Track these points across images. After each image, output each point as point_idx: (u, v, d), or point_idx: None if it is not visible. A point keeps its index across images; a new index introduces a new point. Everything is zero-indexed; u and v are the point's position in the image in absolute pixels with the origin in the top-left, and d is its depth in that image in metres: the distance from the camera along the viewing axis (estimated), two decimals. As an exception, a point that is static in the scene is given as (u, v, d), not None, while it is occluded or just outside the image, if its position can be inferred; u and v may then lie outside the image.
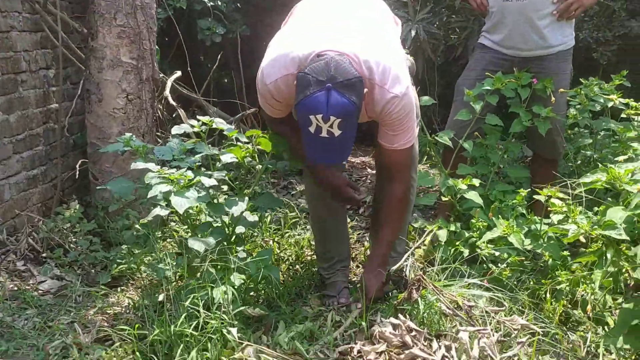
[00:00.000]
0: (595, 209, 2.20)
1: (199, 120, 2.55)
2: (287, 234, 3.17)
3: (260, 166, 2.47)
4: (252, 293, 2.49)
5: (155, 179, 2.27)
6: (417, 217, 3.32)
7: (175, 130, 2.58)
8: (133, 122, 3.14)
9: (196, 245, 2.26)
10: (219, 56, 4.20)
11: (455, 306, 2.06)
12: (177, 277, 2.50)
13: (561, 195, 2.31)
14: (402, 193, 2.36)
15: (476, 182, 2.73)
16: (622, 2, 4.41)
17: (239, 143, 2.52)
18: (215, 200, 2.41)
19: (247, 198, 2.40)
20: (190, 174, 2.30)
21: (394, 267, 2.36)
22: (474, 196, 2.70)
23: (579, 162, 3.04)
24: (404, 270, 2.34)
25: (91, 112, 3.13)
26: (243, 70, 4.40)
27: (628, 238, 1.77)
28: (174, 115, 3.49)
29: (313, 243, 2.86)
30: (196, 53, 4.73)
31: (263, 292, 2.55)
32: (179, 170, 2.30)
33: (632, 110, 2.32)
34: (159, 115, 3.30)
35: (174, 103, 3.46)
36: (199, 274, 2.33)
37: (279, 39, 2.22)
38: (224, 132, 2.57)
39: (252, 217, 2.53)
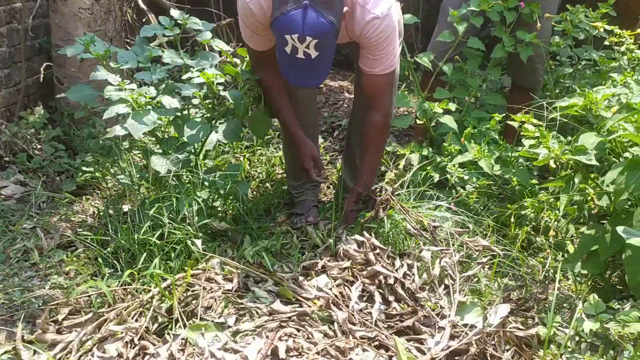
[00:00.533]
0: (569, 138, 2.19)
1: (171, 18, 2.39)
2: (259, 151, 3.12)
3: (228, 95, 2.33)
4: (219, 208, 2.47)
5: (115, 94, 2.15)
6: (391, 141, 3.28)
7: (144, 32, 2.41)
8: (100, 24, 2.97)
9: (158, 165, 2.18)
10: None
11: (421, 227, 2.07)
12: (143, 189, 2.47)
13: (535, 121, 2.28)
14: (381, 121, 2.29)
15: (452, 106, 2.69)
16: None
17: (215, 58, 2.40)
18: (185, 116, 2.32)
19: (209, 124, 2.29)
20: (152, 91, 2.18)
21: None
22: (448, 121, 2.66)
23: (557, 92, 3.00)
24: (376, 191, 2.32)
25: (56, 10, 2.95)
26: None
27: (597, 163, 1.76)
28: (144, 20, 3.31)
29: (284, 161, 2.82)
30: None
31: (231, 207, 2.54)
32: (143, 85, 2.19)
33: (615, 38, 2.26)
34: (128, 20, 3.13)
35: (145, 7, 3.27)
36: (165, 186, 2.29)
37: None
38: (197, 39, 2.45)
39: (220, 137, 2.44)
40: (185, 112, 2.36)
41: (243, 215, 2.47)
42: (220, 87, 2.29)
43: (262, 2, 1.99)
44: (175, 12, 2.40)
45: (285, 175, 2.82)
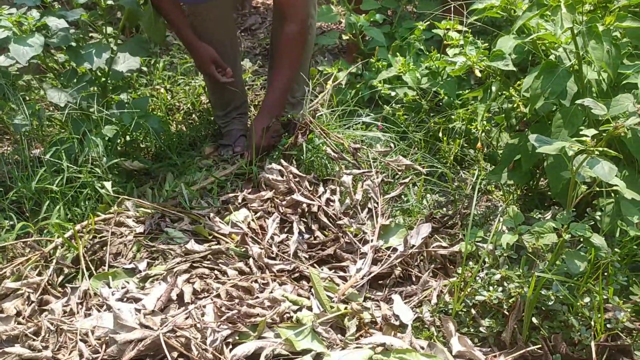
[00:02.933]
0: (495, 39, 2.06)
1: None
2: (181, 81, 2.92)
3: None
4: (135, 145, 2.31)
5: None
6: (322, 60, 3.11)
7: None
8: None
9: (55, 97, 2.01)
10: None
11: (343, 149, 1.95)
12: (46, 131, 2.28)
13: (460, 27, 2.14)
14: (295, 33, 2.12)
15: (379, 17, 2.51)
16: None
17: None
18: (78, 43, 2.10)
19: (108, 44, 2.09)
20: (34, 14, 1.96)
21: (291, 113, 2.21)
22: (376, 34, 2.50)
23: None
24: (302, 115, 2.19)
25: None
26: None
27: (514, 69, 1.65)
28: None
29: (207, 90, 2.65)
30: None
31: (152, 144, 2.38)
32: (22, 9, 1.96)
33: None
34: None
35: None
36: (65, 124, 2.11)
37: None
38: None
39: (129, 63, 2.24)
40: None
41: (165, 151, 2.33)
42: (110, 2, 2.08)
43: None
44: None
45: (210, 105, 2.66)
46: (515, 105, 1.89)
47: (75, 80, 2.13)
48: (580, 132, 1.27)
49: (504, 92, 1.80)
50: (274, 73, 2.25)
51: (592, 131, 1.27)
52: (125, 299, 1.44)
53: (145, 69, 3.00)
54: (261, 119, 2.20)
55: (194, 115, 2.78)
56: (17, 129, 2.00)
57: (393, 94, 2.24)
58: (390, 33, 2.74)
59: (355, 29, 2.60)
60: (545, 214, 1.58)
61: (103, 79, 2.23)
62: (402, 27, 2.73)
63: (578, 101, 1.35)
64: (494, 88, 1.72)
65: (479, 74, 1.83)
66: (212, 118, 2.66)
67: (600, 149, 1.24)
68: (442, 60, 1.85)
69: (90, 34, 2.51)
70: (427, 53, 2.35)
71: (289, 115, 2.18)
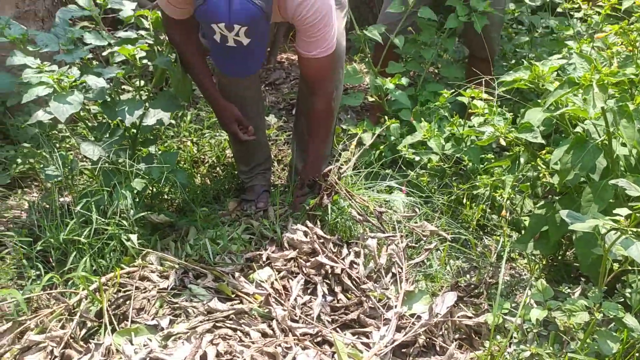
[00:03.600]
0: (523, 111, 2.10)
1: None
2: (207, 134, 2.98)
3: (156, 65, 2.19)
4: (166, 197, 2.34)
5: (34, 77, 1.99)
6: (346, 119, 3.16)
7: (62, 13, 2.25)
8: (29, 4, 2.78)
9: (89, 150, 2.05)
10: None
11: (367, 212, 1.96)
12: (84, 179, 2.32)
13: (485, 96, 2.17)
14: (324, 106, 2.17)
15: (404, 81, 2.57)
16: None
17: (134, 34, 2.24)
18: (112, 98, 2.17)
19: (141, 100, 2.15)
20: (75, 72, 2.03)
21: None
22: (401, 97, 2.55)
23: (513, 61, 2.89)
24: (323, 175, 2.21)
25: (-21, -9, 2.74)
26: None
27: (543, 141, 1.67)
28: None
29: (231, 145, 2.70)
30: None
31: (177, 196, 2.41)
32: (63, 67, 2.03)
33: (569, 4, 2.16)
34: (61, -3, 2.92)
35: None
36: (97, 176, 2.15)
37: None
38: (119, 16, 2.28)
39: (159, 117, 2.30)
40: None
41: (190, 204, 2.35)
42: (145, 61, 2.15)
43: None
44: None
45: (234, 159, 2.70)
46: (541, 174, 1.90)
47: (107, 135, 2.19)
48: (614, 212, 1.27)
49: (531, 162, 1.82)
50: (308, 144, 2.30)
51: (625, 210, 1.28)
52: (148, 359, 1.43)
53: (172, 121, 3.07)
54: (297, 187, 2.27)
55: (218, 169, 2.82)
56: (49, 178, 2.04)
57: (417, 158, 2.27)
58: (414, 95, 2.79)
59: (381, 91, 2.65)
60: (574, 289, 1.57)
61: (134, 132, 2.29)
62: (426, 90, 2.79)
63: (612, 181, 1.36)
64: (522, 160, 1.74)
65: (503, 143, 1.86)
66: (235, 172, 2.70)
67: (634, 229, 1.24)
68: (470, 129, 1.88)
69: (123, 86, 2.58)
70: (450, 118, 2.39)
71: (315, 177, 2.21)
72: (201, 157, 2.87)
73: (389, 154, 2.44)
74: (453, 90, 2.40)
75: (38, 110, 2.01)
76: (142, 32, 2.20)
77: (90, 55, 2.20)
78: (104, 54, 2.12)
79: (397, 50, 2.79)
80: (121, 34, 2.19)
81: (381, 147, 2.52)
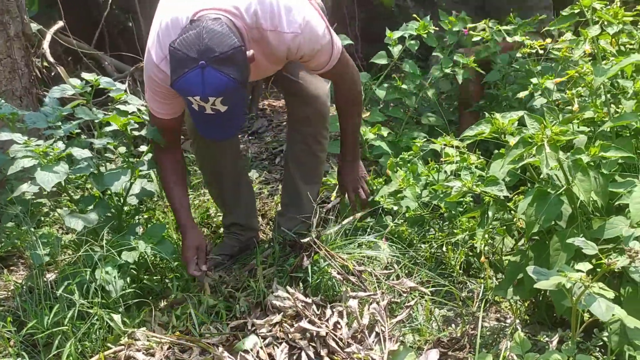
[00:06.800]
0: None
1: (82, 79, 2.30)
2: (191, 195, 3.01)
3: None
4: (146, 268, 2.36)
5: (20, 151, 2.05)
6: (328, 167, 3.20)
7: (55, 93, 2.33)
8: (5, 84, 2.84)
9: (73, 222, 2.09)
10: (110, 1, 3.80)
11: (348, 270, 1.99)
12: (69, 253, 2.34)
13: (457, 143, 2.22)
14: (354, 88, 2.23)
15: (384, 131, 2.65)
16: None
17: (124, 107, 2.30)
18: (101, 169, 2.21)
19: (129, 170, 2.20)
20: (60, 145, 2.08)
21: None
22: (382, 146, 2.63)
23: (484, 102, 2.99)
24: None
25: (-43, 75, 2.81)
26: (142, 12, 4.00)
27: (509, 195, 1.70)
28: (53, 74, 3.18)
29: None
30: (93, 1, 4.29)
31: (163, 264, 2.42)
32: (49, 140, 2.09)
33: (527, 49, 2.23)
34: (37, 74, 2.99)
35: (52, 60, 3.13)
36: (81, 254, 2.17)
37: (158, 13, 1.97)
38: (110, 95, 2.35)
39: (145, 186, 2.34)
40: (103, 169, 2.26)
41: (175, 271, 2.36)
42: (136, 133, 2.20)
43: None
44: (86, 75, 2.31)
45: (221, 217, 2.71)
46: (514, 217, 1.93)
47: (92, 206, 2.22)
48: (575, 267, 1.30)
49: (501, 212, 1.85)
50: (345, 131, 2.37)
51: (587, 265, 1.30)
52: None
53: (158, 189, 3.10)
54: (345, 169, 2.42)
55: (204, 229, 2.84)
56: (37, 261, 2.06)
57: (396, 208, 2.30)
58: (394, 142, 2.86)
59: (362, 140, 2.71)
60: (553, 337, 1.58)
61: (119, 202, 2.32)
62: (406, 136, 2.86)
63: (569, 240, 1.39)
64: (490, 213, 1.77)
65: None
66: (221, 231, 2.72)
67: (596, 285, 1.26)
68: (439, 184, 1.92)
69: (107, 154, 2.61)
70: (424, 166, 2.43)
71: (292, 235, 2.23)
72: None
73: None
74: (425, 140, 2.46)
75: (22, 185, 2.05)
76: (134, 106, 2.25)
77: (78, 130, 2.26)
78: (97, 122, 2.17)
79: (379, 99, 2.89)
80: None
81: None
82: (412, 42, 2.91)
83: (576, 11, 1.92)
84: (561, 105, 2.19)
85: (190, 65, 1.70)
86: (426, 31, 2.86)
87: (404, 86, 2.95)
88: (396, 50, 2.88)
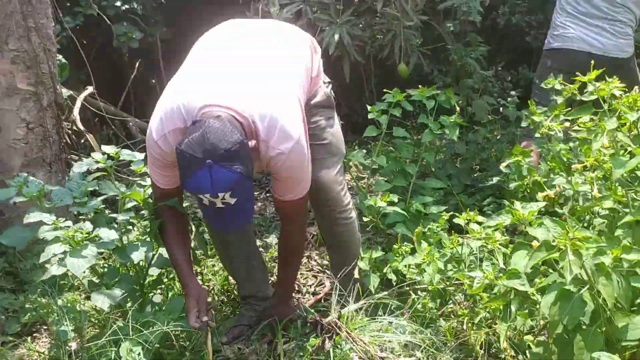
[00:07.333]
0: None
1: (104, 154, 2.39)
2: (210, 262, 3.05)
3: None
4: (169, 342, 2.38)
5: (49, 234, 2.12)
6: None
7: (77, 168, 2.42)
8: (37, 152, 2.94)
9: (99, 301, 2.14)
10: (137, 64, 3.96)
11: (370, 356, 1.99)
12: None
13: (480, 218, 2.23)
14: (297, 238, 2.31)
15: (394, 197, 2.69)
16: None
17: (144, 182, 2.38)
18: (123, 242, 2.28)
19: (149, 242, 2.25)
20: (88, 226, 2.15)
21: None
22: (394, 213, 2.68)
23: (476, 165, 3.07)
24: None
25: (-11, 143, 2.92)
26: (166, 76, 4.17)
27: (532, 289, 1.71)
28: (83, 141, 3.28)
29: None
30: (120, 61, 4.46)
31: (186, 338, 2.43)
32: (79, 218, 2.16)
33: (545, 129, 2.27)
34: (67, 141, 3.08)
35: (82, 127, 3.24)
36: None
37: (167, 92, 2.05)
38: (132, 168, 2.42)
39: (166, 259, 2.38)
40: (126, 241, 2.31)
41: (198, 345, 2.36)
42: None
43: (172, 142, 1.93)
44: (107, 148, 2.40)
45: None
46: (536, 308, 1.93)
47: (116, 280, 2.27)
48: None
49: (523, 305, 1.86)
50: (280, 277, 2.46)
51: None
52: None
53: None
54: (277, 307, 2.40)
55: (223, 297, 2.86)
56: (62, 337, 2.10)
57: (419, 278, 2.32)
58: (406, 208, 2.89)
59: (374, 211, 2.74)
60: None
61: (142, 274, 2.36)
62: (416, 202, 2.90)
63: (594, 354, 1.39)
64: (513, 308, 1.78)
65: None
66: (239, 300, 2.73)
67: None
68: (462, 274, 1.93)
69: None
70: (448, 239, 2.45)
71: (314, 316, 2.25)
72: (205, 285, 2.90)
73: (393, 277, 2.49)
74: (451, 213, 2.49)
75: (50, 266, 2.09)
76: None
77: (102, 206, 2.34)
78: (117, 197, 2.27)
79: (381, 171, 2.95)
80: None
81: (384, 269, 2.56)
82: (395, 109, 2.98)
83: (593, 98, 1.97)
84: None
85: (197, 165, 1.79)
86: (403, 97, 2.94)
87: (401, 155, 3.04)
88: (384, 118, 2.97)
